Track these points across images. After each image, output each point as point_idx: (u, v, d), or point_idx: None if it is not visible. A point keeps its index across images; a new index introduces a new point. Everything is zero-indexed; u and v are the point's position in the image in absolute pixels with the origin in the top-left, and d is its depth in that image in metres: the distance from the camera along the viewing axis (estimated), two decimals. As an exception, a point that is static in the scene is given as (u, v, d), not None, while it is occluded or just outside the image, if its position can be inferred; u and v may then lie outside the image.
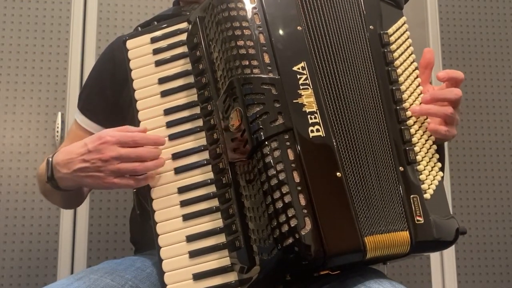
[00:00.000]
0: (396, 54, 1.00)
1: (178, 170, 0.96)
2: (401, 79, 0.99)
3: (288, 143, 0.85)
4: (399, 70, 0.99)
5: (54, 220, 1.68)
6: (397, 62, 0.99)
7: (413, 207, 0.90)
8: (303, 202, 0.82)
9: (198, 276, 0.91)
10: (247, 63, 0.88)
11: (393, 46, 1.00)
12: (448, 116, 0.97)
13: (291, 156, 0.84)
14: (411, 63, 1.02)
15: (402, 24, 1.04)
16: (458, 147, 1.92)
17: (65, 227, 1.68)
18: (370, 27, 0.99)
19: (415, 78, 1.01)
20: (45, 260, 1.66)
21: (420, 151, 0.96)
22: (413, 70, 1.01)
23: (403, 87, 0.98)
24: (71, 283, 0.95)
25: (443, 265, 1.85)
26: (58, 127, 1.70)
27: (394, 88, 0.97)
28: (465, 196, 1.91)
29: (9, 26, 1.77)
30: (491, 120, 1.96)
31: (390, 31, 1.01)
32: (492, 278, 1.87)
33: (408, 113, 0.97)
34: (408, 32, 1.04)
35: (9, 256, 1.65)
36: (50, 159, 1.02)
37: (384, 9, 1.03)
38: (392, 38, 1.01)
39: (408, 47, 1.02)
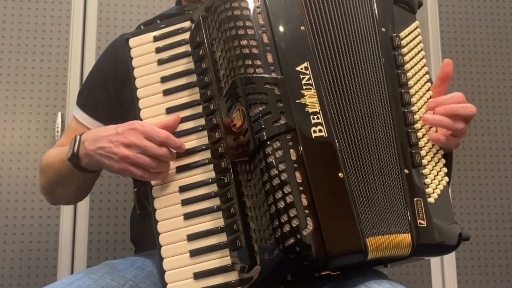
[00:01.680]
0: (407, 58, 1.00)
1: (179, 169, 0.96)
2: (411, 82, 0.99)
3: (290, 143, 0.85)
4: (409, 74, 0.99)
5: (54, 220, 1.68)
6: (408, 66, 0.99)
7: (416, 210, 0.90)
8: (305, 202, 0.82)
9: (198, 275, 0.91)
10: (250, 62, 0.88)
11: (404, 50, 1.00)
12: (458, 131, 0.97)
13: (293, 156, 0.84)
14: (422, 67, 1.02)
15: (415, 28, 1.04)
16: (458, 147, 1.91)
17: (65, 227, 1.67)
18: (382, 29, 0.99)
19: (425, 83, 1.01)
20: (45, 260, 1.66)
21: (426, 155, 0.96)
22: (424, 75, 1.02)
23: (412, 91, 0.98)
24: (71, 283, 0.95)
25: (443, 265, 1.85)
26: (58, 127, 1.70)
27: (403, 91, 0.97)
28: (465, 196, 1.91)
29: (9, 26, 1.76)
30: (491, 120, 1.96)
31: (402, 34, 1.02)
32: (492, 278, 1.87)
33: (416, 116, 0.97)
34: (420, 37, 1.04)
35: (9, 256, 1.65)
36: (78, 136, 1.02)
37: (397, 13, 1.03)
38: (404, 42, 1.01)
39: (419, 51, 1.03)
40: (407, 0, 1.05)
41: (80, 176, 1.09)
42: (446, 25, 2.00)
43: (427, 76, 1.02)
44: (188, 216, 0.94)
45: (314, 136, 0.86)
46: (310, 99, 0.88)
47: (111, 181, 1.72)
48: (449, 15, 2.00)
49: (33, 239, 1.66)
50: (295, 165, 0.83)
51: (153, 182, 0.97)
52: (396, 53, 0.99)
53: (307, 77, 0.90)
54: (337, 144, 0.88)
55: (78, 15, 1.79)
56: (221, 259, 0.91)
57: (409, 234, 0.88)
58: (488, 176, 1.93)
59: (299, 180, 0.83)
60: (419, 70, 1.01)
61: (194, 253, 0.92)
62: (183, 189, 0.95)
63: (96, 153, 0.97)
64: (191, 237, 0.93)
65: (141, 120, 0.99)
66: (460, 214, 1.89)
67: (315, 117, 0.87)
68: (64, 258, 1.66)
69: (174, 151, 0.96)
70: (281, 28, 0.92)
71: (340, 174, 0.86)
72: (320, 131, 0.87)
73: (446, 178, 0.98)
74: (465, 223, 1.88)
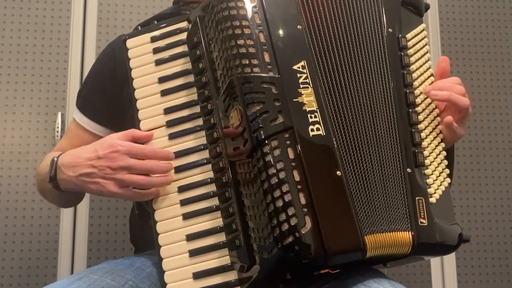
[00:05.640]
0: (412, 59, 1.01)
1: (178, 169, 0.96)
2: (416, 83, 0.99)
3: (288, 142, 0.85)
4: (414, 75, 1.00)
5: (54, 220, 1.68)
6: (413, 67, 1.00)
7: (417, 208, 0.90)
8: (303, 201, 0.82)
9: (198, 275, 0.91)
10: (247, 62, 0.88)
11: (410, 51, 1.01)
12: (466, 108, 0.97)
13: (291, 155, 0.84)
14: (427, 69, 1.03)
15: (421, 31, 1.05)
16: (458, 147, 1.91)
17: (65, 227, 1.67)
18: (389, 30, 1.00)
19: (430, 84, 1.01)
20: (45, 260, 1.66)
21: (429, 156, 0.96)
22: (429, 77, 1.02)
23: (417, 92, 0.98)
24: (71, 283, 0.95)
25: (443, 265, 1.85)
26: (58, 127, 1.70)
27: (408, 91, 0.98)
28: (465, 196, 1.91)
29: (9, 26, 1.77)
30: (491, 120, 1.96)
31: (409, 36, 1.02)
32: (492, 278, 1.87)
33: (420, 117, 0.97)
34: (426, 39, 1.05)
35: (9, 256, 1.65)
36: (56, 159, 1.01)
37: (404, 15, 1.04)
38: (410, 43, 1.01)
39: (425, 54, 1.03)
40: (415, 2, 1.06)
41: (62, 194, 1.08)
42: (446, 25, 2.00)
43: (432, 78, 1.03)
44: (187, 216, 0.94)
45: (312, 135, 0.86)
46: (308, 98, 0.88)
47: (111, 181, 1.72)
48: (449, 15, 2.00)
49: (33, 239, 1.66)
50: (293, 164, 0.84)
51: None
52: (402, 53, 1.00)
53: (304, 76, 0.90)
54: (334, 142, 0.88)
55: (78, 15, 1.79)
56: (220, 258, 0.91)
57: (409, 232, 0.88)
58: (488, 176, 1.93)
59: (297, 178, 0.83)
60: (424, 71, 1.02)
61: (193, 253, 0.92)
62: (181, 189, 0.95)
63: (78, 180, 0.97)
64: (190, 237, 0.93)
65: (139, 121, 0.99)
66: (460, 214, 1.89)
67: (313, 115, 0.87)
68: (64, 258, 1.66)
69: (168, 163, 0.96)
70: (277, 27, 0.92)
71: (338, 172, 0.86)
72: (317, 129, 0.87)
73: (448, 179, 0.98)
74: (465, 223, 1.88)
